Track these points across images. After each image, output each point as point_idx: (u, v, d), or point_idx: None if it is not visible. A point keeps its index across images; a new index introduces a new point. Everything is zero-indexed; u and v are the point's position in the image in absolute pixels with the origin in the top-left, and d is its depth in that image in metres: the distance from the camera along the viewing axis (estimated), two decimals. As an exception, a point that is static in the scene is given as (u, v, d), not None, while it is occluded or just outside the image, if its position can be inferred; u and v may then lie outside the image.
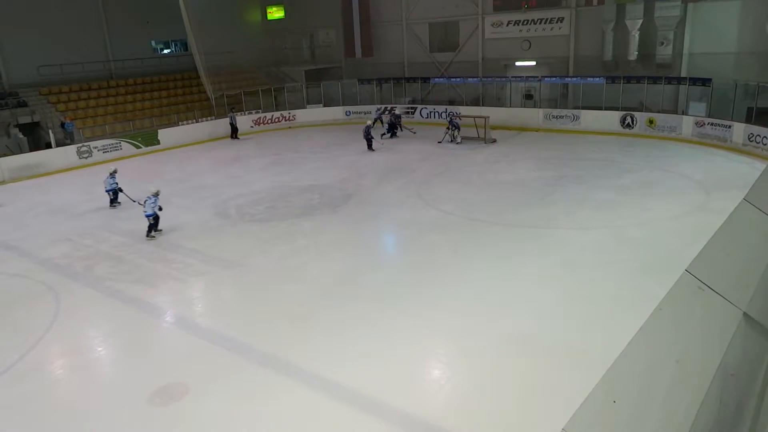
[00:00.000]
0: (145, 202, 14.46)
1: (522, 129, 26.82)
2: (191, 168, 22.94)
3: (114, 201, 17.81)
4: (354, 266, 12.41)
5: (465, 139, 24.52)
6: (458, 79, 30.88)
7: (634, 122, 24.34)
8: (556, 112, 26.67)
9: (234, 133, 29.09)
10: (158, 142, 26.91)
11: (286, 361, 8.71)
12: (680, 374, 2.58)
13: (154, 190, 14.53)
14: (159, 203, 14.40)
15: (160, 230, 14.79)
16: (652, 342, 2.65)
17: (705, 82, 22.55)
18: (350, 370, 8.40)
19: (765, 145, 19.43)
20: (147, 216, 14.30)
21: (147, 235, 14.48)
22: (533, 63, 29.51)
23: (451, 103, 30.58)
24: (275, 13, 37.49)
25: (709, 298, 3.03)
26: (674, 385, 2.52)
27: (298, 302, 10.75)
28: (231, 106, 30.90)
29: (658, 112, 24.01)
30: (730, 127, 21.05)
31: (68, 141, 24.76)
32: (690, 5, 24.02)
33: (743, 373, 2.84)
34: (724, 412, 2.65)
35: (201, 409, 7.79)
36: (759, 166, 17.95)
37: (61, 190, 20.62)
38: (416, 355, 8.86)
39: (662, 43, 24.73)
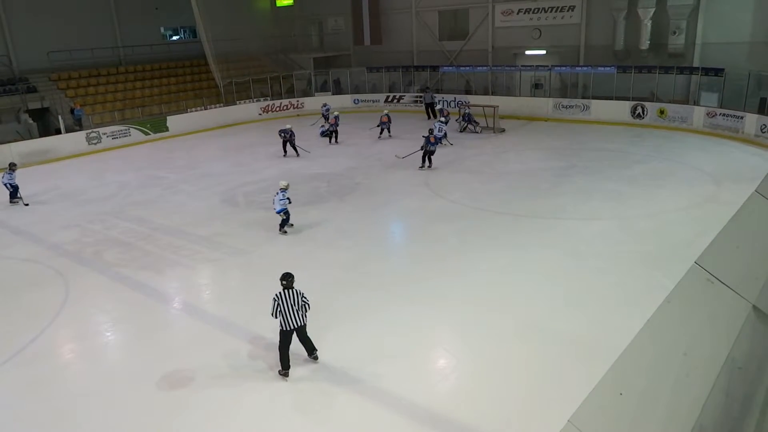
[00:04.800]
0: (273, 199, 13.58)
1: (531, 118, 26.64)
2: (199, 155, 22.98)
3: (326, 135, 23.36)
4: (361, 255, 12.42)
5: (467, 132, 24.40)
6: (467, 68, 30.68)
7: (645, 112, 24.12)
8: (566, 101, 26.46)
9: (430, 109, 28.01)
10: (167, 129, 26.96)
11: (292, 349, 8.74)
12: (688, 367, 2.56)
13: (283, 184, 13.54)
14: (288, 196, 13.53)
15: (292, 225, 13.92)
16: (660, 334, 2.63)
17: (717, 72, 22.26)
18: (356, 358, 8.43)
19: (777, 136, 19.23)
20: (277, 212, 13.52)
21: (280, 230, 13.66)
22: (543, 52, 29.23)
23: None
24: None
25: (719, 291, 3.00)
26: (682, 377, 2.51)
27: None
28: (425, 86, 30.46)
29: (670, 102, 23.78)
30: (742, 117, 20.82)
31: (77, 127, 24.86)
32: (703, -6, 23.70)
33: (752, 367, 2.82)
34: (731, 405, 2.64)
35: (208, 394, 7.85)
36: (771, 157, 17.78)
37: (70, 175, 20.74)
38: (422, 344, 8.88)
39: (674, 33, 24.40)
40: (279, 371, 8.03)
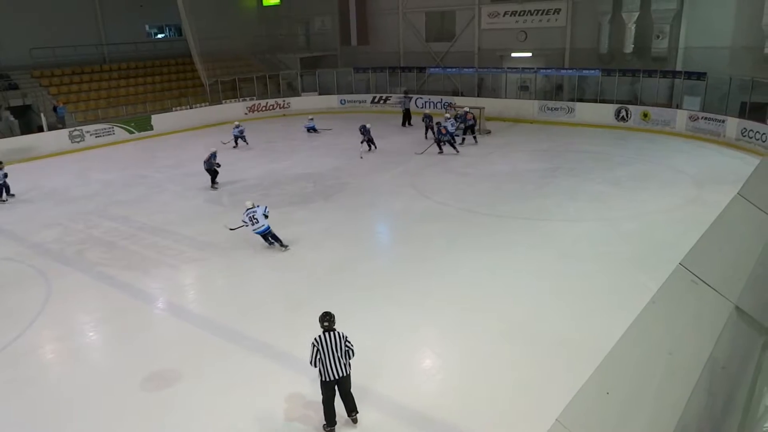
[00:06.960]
0: (251, 219, 12.23)
1: (517, 120, 26.81)
2: (184, 154, 22.79)
3: None
4: (347, 255, 12.41)
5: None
6: (454, 70, 30.79)
7: (629, 115, 24.38)
8: (551, 104, 26.66)
9: (407, 119, 26.64)
10: (151, 128, 26.72)
11: (279, 349, 8.73)
12: (673, 367, 2.60)
13: (249, 204, 12.52)
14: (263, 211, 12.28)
15: (287, 246, 12.59)
16: (646, 335, 2.67)
17: (700, 76, 22.59)
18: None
19: (758, 140, 19.52)
20: (264, 232, 12.32)
21: (282, 246, 12.48)
22: (529, 54, 29.45)
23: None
24: (271, -2, 37.21)
25: (702, 292, 3.05)
26: (667, 377, 2.55)
27: (292, 290, 10.75)
28: (405, 89, 29.71)
29: (653, 105, 24.07)
30: (723, 121, 21.13)
31: (60, 125, 24.56)
32: (686, -1, 24.04)
33: (734, 366, 2.87)
34: (713, 404, 2.68)
35: (193, 395, 7.80)
36: (751, 160, 18.03)
37: (53, 174, 20.49)
38: (409, 345, 8.90)
39: (658, 37, 24.72)
40: (324, 426, 6.93)
